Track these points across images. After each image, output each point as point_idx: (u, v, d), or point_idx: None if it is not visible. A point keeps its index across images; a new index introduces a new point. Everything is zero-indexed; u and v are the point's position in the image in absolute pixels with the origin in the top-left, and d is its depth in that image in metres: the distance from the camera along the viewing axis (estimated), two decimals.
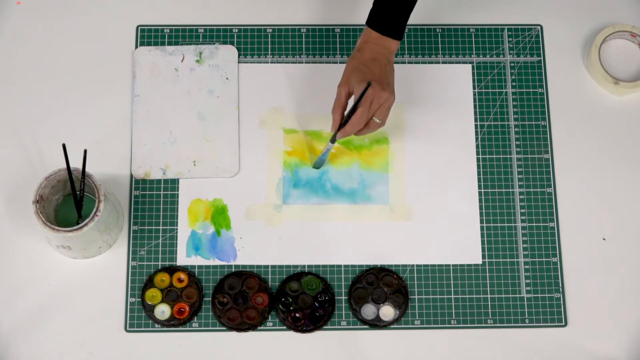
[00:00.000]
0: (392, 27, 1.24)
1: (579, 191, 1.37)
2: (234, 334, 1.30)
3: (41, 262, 1.31)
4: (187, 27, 1.42)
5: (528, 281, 1.33)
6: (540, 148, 1.38)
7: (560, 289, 1.33)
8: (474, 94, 1.40)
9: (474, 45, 1.42)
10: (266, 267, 1.33)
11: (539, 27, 1.43)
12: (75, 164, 1.25)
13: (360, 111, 1.22)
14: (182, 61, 1.40)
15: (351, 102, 1.25)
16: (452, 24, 1.43)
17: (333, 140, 1.29)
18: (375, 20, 1.24)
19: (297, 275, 1.32)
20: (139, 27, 1.42)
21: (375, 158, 1.37)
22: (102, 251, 1.31)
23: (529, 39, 1.43)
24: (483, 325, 1.31)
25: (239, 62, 1.41)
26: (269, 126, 1.38)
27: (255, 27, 1.42)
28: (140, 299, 1.31)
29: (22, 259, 1.31)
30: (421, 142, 1.38)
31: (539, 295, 1.32)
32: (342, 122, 1.25)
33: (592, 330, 1.31)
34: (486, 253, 1.34)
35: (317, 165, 1.35)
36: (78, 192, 1.27)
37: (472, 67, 1.41)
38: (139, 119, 1.38)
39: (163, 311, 1.30)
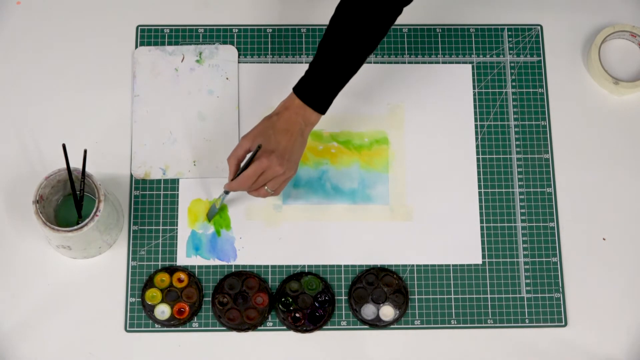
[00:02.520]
0: (317, 100, 1.20)
1: (579, 191, 1.37)
2: (234, 334, 1.30)
3: (41, 262, 1.31)
4: (187, 27, 1.42)
5: (528, 281, 1.33)
6: (540, 148, 1.38)
7: (560, 289, 1.33)
8: (474, 94, 1.40)
9: (474, 45, 1.42)
10: (266, 267, 1.33)
11: (539, 27, 1.43)
12: (75, 164, 1.25)
13: (249, 172, 1.19)
14: (182, 61, 1.40)
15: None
16: (452, 24, 1.43)
17: (226, 192, 1.28)
18: (303, 88, 1.20)
19: (297, 275, 1.32)
20: (139, 27, 1.42)
21: (375, 158, 1.37)
22: (102, 251, 1.31)
23: (529, 39, 1.43)
24: (483, 325, 1.31)
25: (239, 62, 1.41)
26: None
27: (255, 27, 1.42)
28: (140, 299, 1.31)
29: (22, 259, 1.31)
30: (421, 142, 1.38)
31: (539, 295, 1.32)
32: (236, 175, 1.22)
33: (592, 330, 1.31)
34: (486, 253, 1.34)
35: (209, 216, 1.33)
36: (78, 192, 1.27)
37: (472, 67, 1.41)
38: (139, 119, 1.38)
39: (163, 311, 1.30)
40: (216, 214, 1.33)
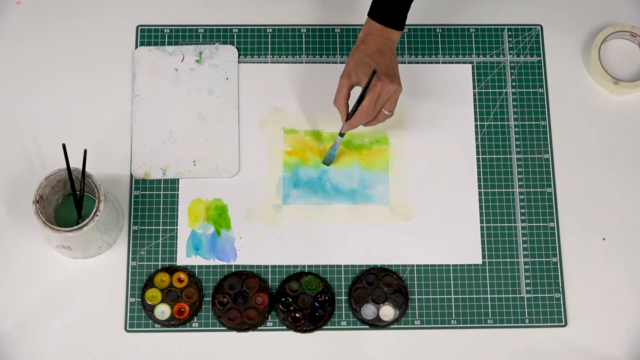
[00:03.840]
0: (394, 18, 1.24)
1: (579, 191, 1.37)
2: (234, 334, 1.30)
3: (41, 262, 1.31)
4: (187, 27, 1.42)
5: (528, 281, 1.33)
6: (540, 148, 1.38)
7: (560, 289, 1.33)
8: (474, 94, 1.40)
9: (474, 45, 1.42)
10: (266, 267, 1.33)
11: (539, 27, 1.43)
12: (75, 164, 1.25)
13: (367, 101, 1.22)
14: (182, 61, 1.40)
15: (354, 95, 1.25)
16: (452, 24, 1.43)
17: (342, 134, 1.29)
18: (378, 11, 1.24)
19: (297, 275, 1.32)
20: (139, 27, 1.42)
21: (375, 158, 1.37)
22: (102, 251, 1.31)
23: (529, 39, 1.43)
24: (483, 325, 1.31)
25: (239, 62, 1.41)
26: (269, 126, 1.38)
27: (255, 27, 1.42)
28: (140, 299, 1.31)
29: (22, 259, 1.31)
30: (421, 142, 1.38)
31: (539, 295, 1.32)
32: (349, 114, 1.25)
33: (592, 330, 1.31)
34: (486, 253, 1.34)
35: (327, 161, 1.35)
36: (78, 192, 1.27)
37: (472, 67, 1.41)
38: (139, 119, 1.38)
39: (163, 311, 1.30)
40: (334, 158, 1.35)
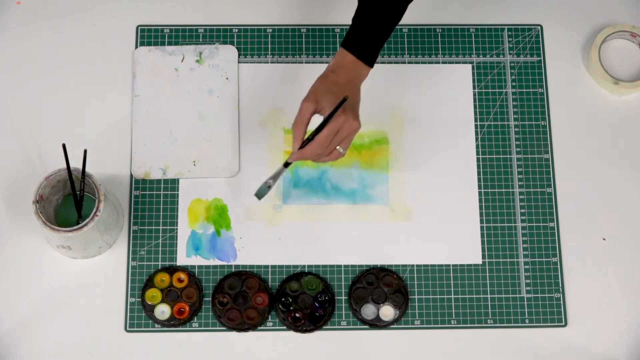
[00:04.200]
0: (368, 52, 1.19)
1: (579, 191, 1.37)
2: (234, 334, 1.30)
3: (41, 262, 1.31)
4: (187, 27, 1.42)
5: (528, 281, 1.33)
6: (540, 148, 1.38)
7: (560, 289, 1.33)
8: (474, 94, 1.40)
9: (474, 45, 1.42)
10: (266, 267, 1.33)
11: (539, 27, 1.43)
12: (75, 164, 1.25)
13: (327, 131, 1.14)
14: (182, 61, 1.40)
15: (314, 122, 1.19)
16: (452, 24, 1.43)
17: (287, 165, 1.20)
18: (353, 42, 1.19)
19: (297, 275, 1.32)
20: (139, 27, 1.42)
21: (375, 158, 1.37)
22: (102, 251, 1.31)
23: (529, 39, 1.43)
24: (483, 325, 1.31)
25: (239, 62, 1.41)
26: (269, 126, 1.38)
27: (255, 27, 1.42)
28: (140, 299, 1.31)
29: (22, 259, 1.31)
30: (421, 142, 1.38)
31: (539, 295, 1.32)
32: (303, 143, 1.17)
33: (592, 330, 1.31)
34: (486, 253, 1.34)
35: (260, 194, 1.24)
36: (78, 192, 1.27)
37: (472, 67, 1.41)
38: (139, 119, 1.38)
39: (163, 311, 1.30)
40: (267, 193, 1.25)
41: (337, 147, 1.17)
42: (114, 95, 1.39)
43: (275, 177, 1.23)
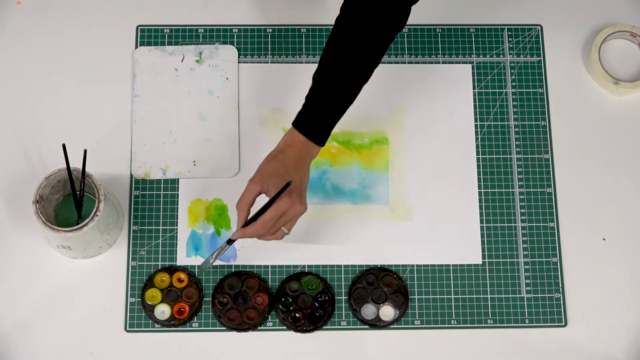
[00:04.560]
0: (318, 133, 1.18)
1: (579, 191, 1.37)
2: (234, 334, 1.30)
3: (41, 262, 1.31)
4: (187, 27, 1.42)
5: (528, 281, 1.33)
6: (540, 148, 1.38)
7: (560, 289, 1.33)
8: (474, 94, 1.40)
9: (474, 45, 1.42)
10: (266, 267, 1.33)
11: (539, 27, 1.43)
12: (75, 164, 1.25)
13: (270, 214, 1.15)
14: (182, 61, 1.40)
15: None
16: (452, 24, 1.43)
17: (230, 242, 1.22)
18: (304, 123, 1.18)
19: (297, 275, 1.32)
20: (139, 27, 1.42)
21: (375, 158, 1.37)
22: (102, 251, 1.31)
23: (529, 39, 1.43)
24: (483, 325, 1.31)
25: (239, 62, 1.41)
26: (269, 126, 1.38)
27: (255, 27, 1.42)
28: (140, 299, 1.31)
29: (22, 259, 1.31)
30: (421, 142, 1.38)
31: (539, 295, 1.32)
32: (247, 221, 1.18)
33: (592, 330, 1.31)
34: (486, 253, 1.34)
35: (203, 267, 1.26)
36: (78, 192, 1.27)
37: (472, 67, 1.41)
38: (139, 119, 1.38)
39: (163, 311, 1.30)
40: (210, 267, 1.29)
41: (282, 228, 1.19)
42: (114, 95, 1.39)
43: (218, 254, 1.24)
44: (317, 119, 1.18)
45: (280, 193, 1.15)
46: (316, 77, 1.18)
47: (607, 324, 1.31)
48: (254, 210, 1.19)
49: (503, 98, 1.40)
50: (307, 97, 1.19)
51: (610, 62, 1.42)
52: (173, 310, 1.30)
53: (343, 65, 1.16)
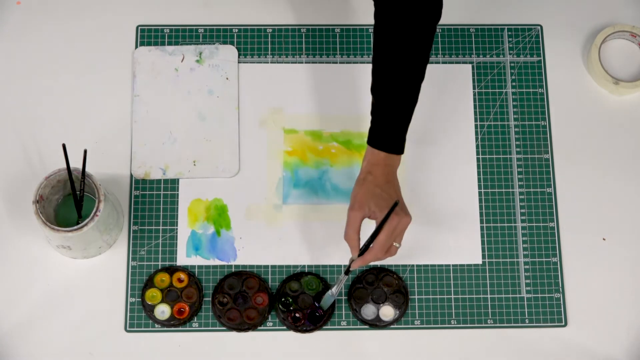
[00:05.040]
0: (396, 144, 1.20)
1: (579, 191, 1.37)
2: (234, 334, 1.30)
3: (41, 262, 1.31)
4: (187, 27, 1.42)
5: (528, 281, 1.33)
6: (540, 148, 1.38)
7: (560, 289, 1.33)
8: (474, 94, 1.40)
9: (474, 45, 1.42)
10: (266, 267, 1.32)
11: (539, 27, 1.43)
12: (75, 164, 1.25)
13: (385, 235, 1.17)
14: (182, 61, 1.40)
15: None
16: (452, 24, 1.43)
17: (347, 272, 1.22)
18: (380, 139, 1.19)
19: (297, 275, 1.32)
20: (139, 27, 1.42)
21: None
22: (102, 251, 1.31)
23: (529, 39, 1.43)
24: (483, 325, 1.31)
25: (239, 62, 1.41)
26: (269, 126, 1.38)
27: (255, 27, 1.42)
28: (140, 299, 1.31)
29: (22, 259, 1.31)
30: (421, 142, 1.38)
31: (539, 295, 1.32)
32: (361, 250, 1.19)
33: (592, 330, 1.31)
34: (486, 253, 1.34)
35: (325, 305, 1.28)
36: (78, 192, 1.27)
37: (472, 67, 1.41)
38: (139, 119, 1.38)
39: (163, 311, 1.30)
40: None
41: (394, 243, 1.20)
42: (114, 95, 1.39)
43: (338, 286, 1.25)
44: (389, 132, 1.19)
45: (388, 215, 1.16)
46: (374, 90, 1.19)
47: (607, 324, 1.31)
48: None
49: (503, 98, 1.40)
50: (373, 113, 1.20)
51: (610, 62, 1.42)
52: (173, 310, 1.30)
53: (396, 71, 1.17)
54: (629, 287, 1.33)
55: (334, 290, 1.26)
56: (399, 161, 1.22)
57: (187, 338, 1.30)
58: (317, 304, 1.29)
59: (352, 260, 1.21)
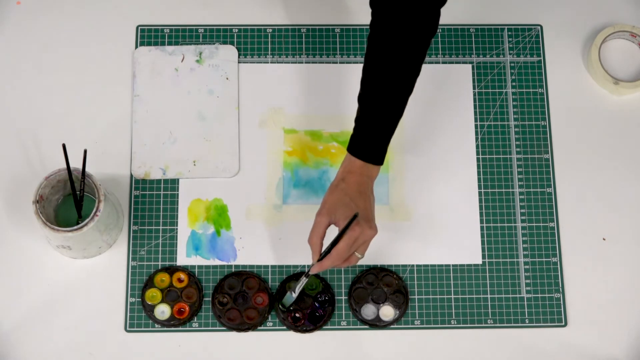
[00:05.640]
0: (375, 154, 1.19)
1: (579, 191, 1.37)
2: (234, 334, 1.30)
3: (41, 262, 1.31)
4: (187, 27, 1.42)
5: (528, 281, 1.33)
6: (540, 148, 1.38)
7: (560, 289, 1.33)
8: (474, 94, 1.40)
9: (474, 45, 1.42)
10: (266, 267, 1.33)
11: (539, 27, 1.43)
12: (75, 164, 1.25)
13: (344, 245, 1.16)
14: (182, 61, 1.40)
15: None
16: (452, 24, 1.43)
17: (307, 275, 1.23)
18: (358, 147, 1.19)
19: (297, 275, 1.32)
20: (139, 27, 1.42)
21: None
22: (102, 251, 1.31)
23: (529, 39, 1.43)
24: (483, 325, 1.31)
25: (239, 62, 1.41)
26: (269, 126, 1.38)
27: (255, 27, 1.42)
28: (140, 299, 1.31)
29: (22, 259, 1.31)
30: (421, 142, 1.38)
31: (539, 295, 1.32)
32: (321, 255, 1.19)
33: (592, 330, 1.31)
34: (486, 253, 1.34)
35: (286, 304, 1.28)
36: (78, 192, 1.27)
37: (472, 67, 1.41)
38: (139, 119, 1.38)
39: (163, 311, 1.30)
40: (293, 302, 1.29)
41: (355, 253, 1.19)
42: (114, 95, 1.39)
43: (299, 286, 1.25)
44: (370, 141, 1.18)
45: (348, 225, 1.16)
46: (361, 98, 1.19)
47: (607, 324, 1.31)
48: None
49: (503, 98, 1.40)
50: (357, 120, 1.20)
51: (610, 62, 1.42)
52: (173, 310, 1.30)
53: (385, 81, 1.16)
54: (629, 287, 1.33)
55: (295, 289, 1.26)
56: (376, 172, 1.21)
57: (187, 338, 1.30)
58: (279, 303, 1.29)
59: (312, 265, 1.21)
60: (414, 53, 1.16)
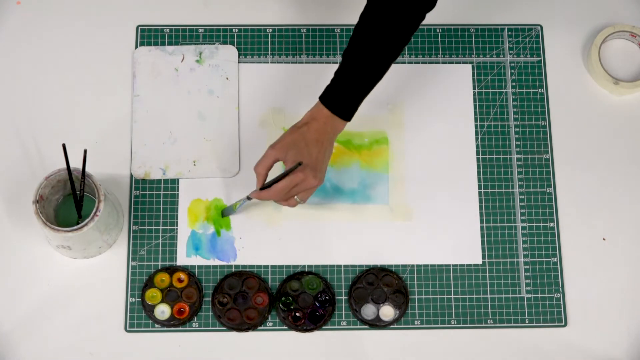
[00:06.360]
0: (344, 108, 1.19)
1: (579, 191, 1.37)
2: (234, 334, 1.30)
3: (41, 262, 1.31)
4: (187, 27, 1.42)
5: (528, 281, 1.33)
6: (540, 148, 1.38)
7: (560, 289, 1.33)
8: (474, 94, 1.40)
9: (474, 45, 1.42)
10: (266, 267, 1.33)
11: (539, 27, 1.43)
12: (75, 164, 1.25)
13: (283, 185, 1.18)
14: (182, 61, 1.40)
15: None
16: (452, 24, 1.43)
17: (249, 198, 1.26)
18: (329, 97, 1.19)
19: (298, 274, 1.32)
20: (139, 27, 1.42)
21: (375, 158, 1.37)
22: (102, 251, 1.31)
23: (529, 39, 1.43)
24: (483, 325, 1.31)
25: (239, 62, 1.41)
26: (269, 126, 1.38)
27: (255, 27, 1.42)
28: (140, 299, 1.31)
29: (22, 259, 1.31)
30: (421, 142, 1.38)
31: (539, 295, 1.32)
32: (264, 185, 1.21)
33: (592, 330, 1.31)
34: (486, 253, 1.34)
35: (226, 213, 1.33)
36: (78, 192, 1.27)
37: (472, 67, 1.41)
38: (139, 119, 1.38)
39: (163, 311, 1.30)
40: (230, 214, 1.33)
41: (296, 197, 1.21)
42: (114, 95, 1.39)
43: (239, 206, 1.30)
44: (343, 94, 1.19)
45: (290, 171, 1.18)
46: (346, 53, 1.19)
47: (607, 324, 1.31)
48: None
49: (503, 98, 1.40)
50: (336, 73, 1.20)
51: (610, 62, 1.42)
52: (173, 310, 1.30)
53: (373, 42, 1.17)
54: (629, 287, 1.33)
55: (237, 208, 1.30)
56: (341, 127, 1.21)
57: (187, 338, 1.30)
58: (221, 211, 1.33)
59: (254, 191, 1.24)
60: (408, 23, 1.18)
